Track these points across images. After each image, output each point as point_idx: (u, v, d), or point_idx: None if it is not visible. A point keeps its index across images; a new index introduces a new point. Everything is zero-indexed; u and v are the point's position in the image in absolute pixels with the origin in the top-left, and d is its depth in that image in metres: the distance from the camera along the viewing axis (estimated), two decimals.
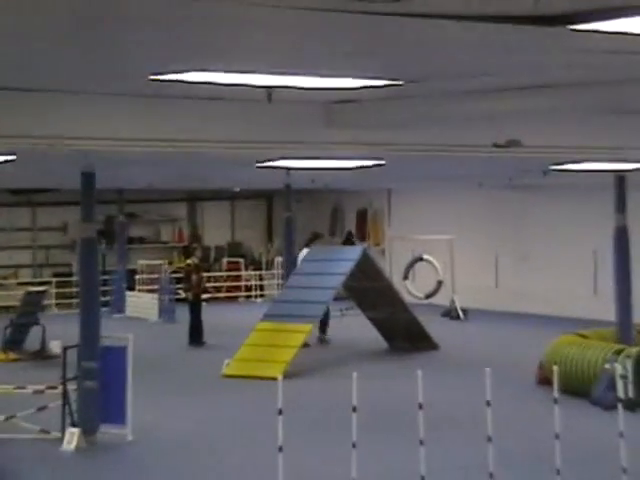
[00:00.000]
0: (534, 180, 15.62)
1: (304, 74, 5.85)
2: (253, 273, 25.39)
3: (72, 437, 9.53)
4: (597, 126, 7.97)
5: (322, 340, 16.34)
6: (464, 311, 20.08)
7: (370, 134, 7.92)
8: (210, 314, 19.59)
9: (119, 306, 21.60)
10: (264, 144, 7.89)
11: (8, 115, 6.63)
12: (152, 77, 5.95)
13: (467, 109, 7.12)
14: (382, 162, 10.52)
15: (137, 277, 23.14)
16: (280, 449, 7.02)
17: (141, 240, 25.28)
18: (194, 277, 16.80)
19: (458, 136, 8.02)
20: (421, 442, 7.21)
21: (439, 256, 20.55)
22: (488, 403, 7.29)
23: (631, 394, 10.75)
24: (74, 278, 22.81)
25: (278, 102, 6.80)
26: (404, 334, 15.81)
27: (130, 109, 7.20)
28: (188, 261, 17.30)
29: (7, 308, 19.98)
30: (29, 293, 16.45)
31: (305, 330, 14.12)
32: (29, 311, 15.90)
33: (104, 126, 7.06)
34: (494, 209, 21.99)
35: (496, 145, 7.63)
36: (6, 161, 8.48)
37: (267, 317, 14.82)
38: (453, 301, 20.22)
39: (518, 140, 7.52)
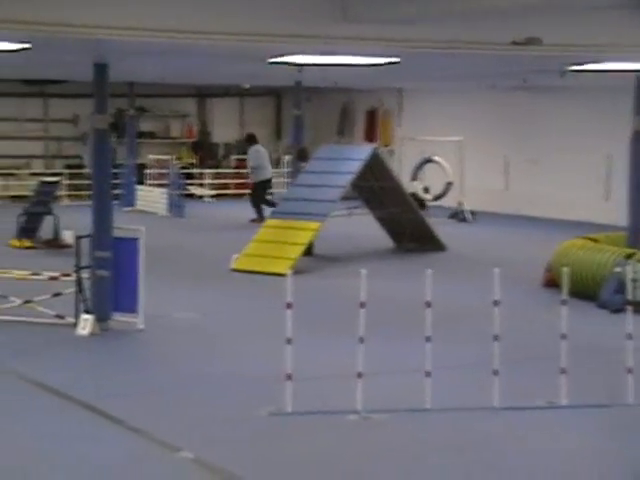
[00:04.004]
0: (549, 81, 15.43)
1: None
2: None
3: (86, 323, 9.73)
4: (620, 23, 7.82)
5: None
6: (472, 213, 20.12)
7: (386, 29, 7.80)
8: (218, 210, 19.74)
9: (129, 199, 21.72)
10: (277, 37, 7.79)
11: (23, 1, 6.56)
12: None
13: (486, 4, 6.99)
14: (397, 60, 10.37)
15: (146, 171, 23.18)
16: (288, 341, 7.14)
17: (151, 135, 25.24)
18: None
19: (476, 33, 7.89)
20: (427, 339, 7.32)
21: (448, 158, 20.49)
22: (495, 303, 7.37)
23: None
24: (85, 170, 22.94)
25: None
26: (411, 234, 15.89)
27: None
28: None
29: (21, 197, 20.18)
30: (42, 183, 16.55)
31: (313, 228, 14.20)
32: (42, 201, 16.05)
33: (118, 15, 6.98)
34: (506, 111, 21.81)
35: (515, 43, 7.52)
36: (22, 49, 8.40)
37: (276, 214, 14.90)
38: (461, 203, 20.24)
39: (538, 38, 7.40)
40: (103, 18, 6.87)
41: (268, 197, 19.85)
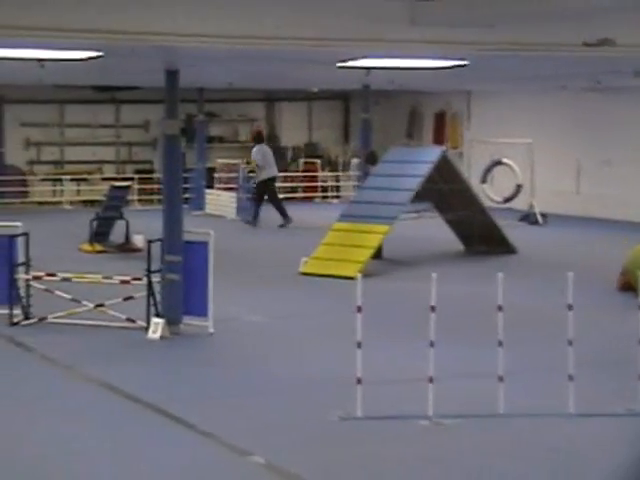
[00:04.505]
0: (622, 82, 15.17)
1: None
2: (329, 174, 25.41)
3: (157, 327, 9.83)
4: None
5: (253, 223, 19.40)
6: (543, 216, 19.87)
7: (455, 33, 7.75)
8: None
9: (198, 203, 21.94)
10: (345, 42, 7.79)
11: (96, 10, 6.66)
12: None
13: (557, 5, 6.90)
14: (465, 62, 10.31)
15: (215, 175, 23.40)
16: (358, 345, 7.12)
17: (220, 139, 25.48)
18: None
19: (547, 34, 7.80)
20: (500, 343, 7.24)
21: (519, 160, 20.26)
22: (570, 307, 7.26)
23: None
24: (155, 175, 23.29)
25: None
26: (481, 237, 15.76)
27: (214, 5, 7.17)
28: None
29: (92, 202, 20.55)
30: (114, 188, 16.80)
31: (382, 231, 14.17)
32: (114, 205, 16.29)
33: (190, 22, 7.06)
34: (576, 112, 21.50)
35: (587, 44, 7.40)
36: (95, 57, 8.54)
37: (344, 217, 14.88)
38: (532, 206, 20.00)
39: (611, 39, 7.28)
40: (175, 26, 6.95)
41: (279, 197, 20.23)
